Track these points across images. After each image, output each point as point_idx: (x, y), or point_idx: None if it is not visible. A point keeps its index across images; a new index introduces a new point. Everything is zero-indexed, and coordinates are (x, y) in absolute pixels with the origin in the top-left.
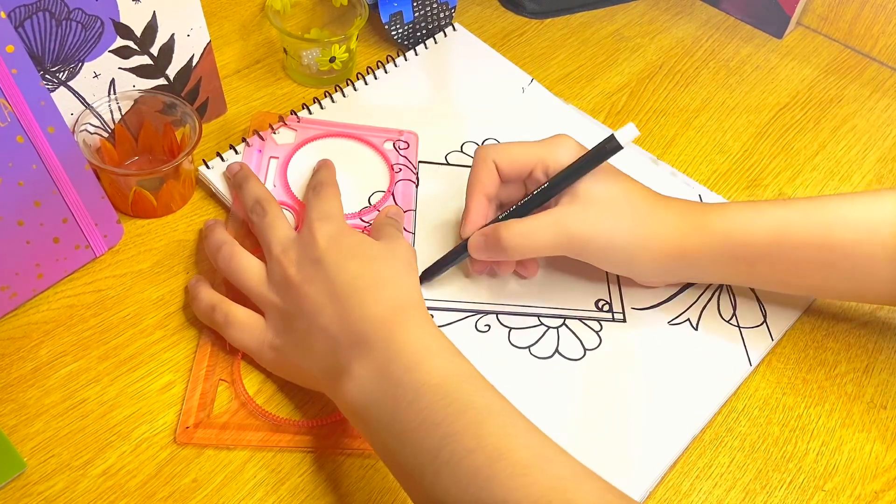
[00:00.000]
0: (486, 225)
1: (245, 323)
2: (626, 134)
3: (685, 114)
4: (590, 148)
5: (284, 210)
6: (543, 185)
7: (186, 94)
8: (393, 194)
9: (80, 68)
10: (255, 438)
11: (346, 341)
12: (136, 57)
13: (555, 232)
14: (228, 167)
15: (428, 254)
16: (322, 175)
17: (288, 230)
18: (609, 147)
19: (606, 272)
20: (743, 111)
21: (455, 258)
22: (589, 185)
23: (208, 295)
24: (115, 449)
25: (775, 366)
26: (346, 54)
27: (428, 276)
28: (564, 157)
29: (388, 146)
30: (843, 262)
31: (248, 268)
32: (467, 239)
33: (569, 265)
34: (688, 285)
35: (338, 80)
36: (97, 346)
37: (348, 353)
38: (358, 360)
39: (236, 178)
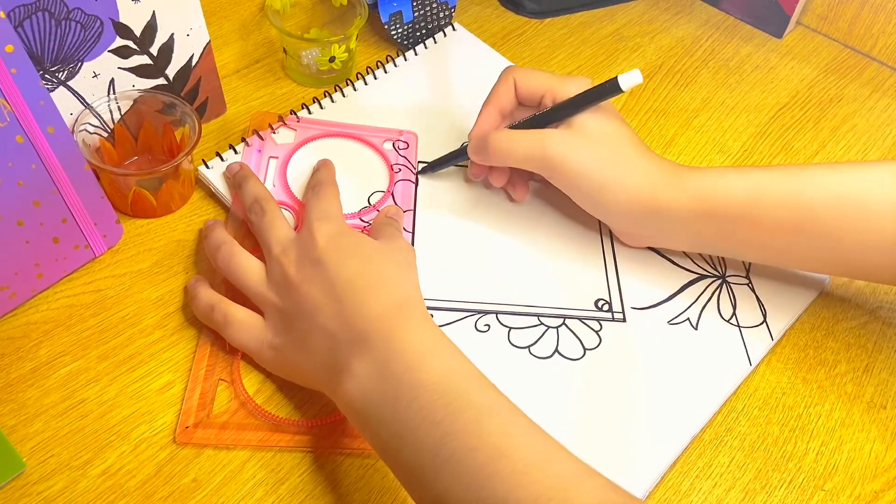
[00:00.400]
0: None
1: (244, 323)
2: (629, 78)
3: (685, 113)
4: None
5: (284, 210)
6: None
7: (186, 93)
8: (392, 194)
9: (80, 68)
10: (255, 438)
11: (345, 340)
12: (135, 57)
13: (533, 146)
14: (228, 167)
15: (427, 253)
16: (321, 175)
17: (287, 230)
18: (609, 87)
19: (605, 270)
20: (743, 111)
21: (455, 157)
22: (585, 118)
23: (207, 294)
24: (115, 449)
25: (775, 365)
26: (346, 54)
27: (428, 169)
28: (573, 91)
29: (388, 146)
30: (813, 225)
31: (248, 268)
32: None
33: (568, 260)
34: (687, 284)
35: (337, 79)
36: (96, 345)
37: (348, 352)
38: (358, 358)
39: (236, 178)
